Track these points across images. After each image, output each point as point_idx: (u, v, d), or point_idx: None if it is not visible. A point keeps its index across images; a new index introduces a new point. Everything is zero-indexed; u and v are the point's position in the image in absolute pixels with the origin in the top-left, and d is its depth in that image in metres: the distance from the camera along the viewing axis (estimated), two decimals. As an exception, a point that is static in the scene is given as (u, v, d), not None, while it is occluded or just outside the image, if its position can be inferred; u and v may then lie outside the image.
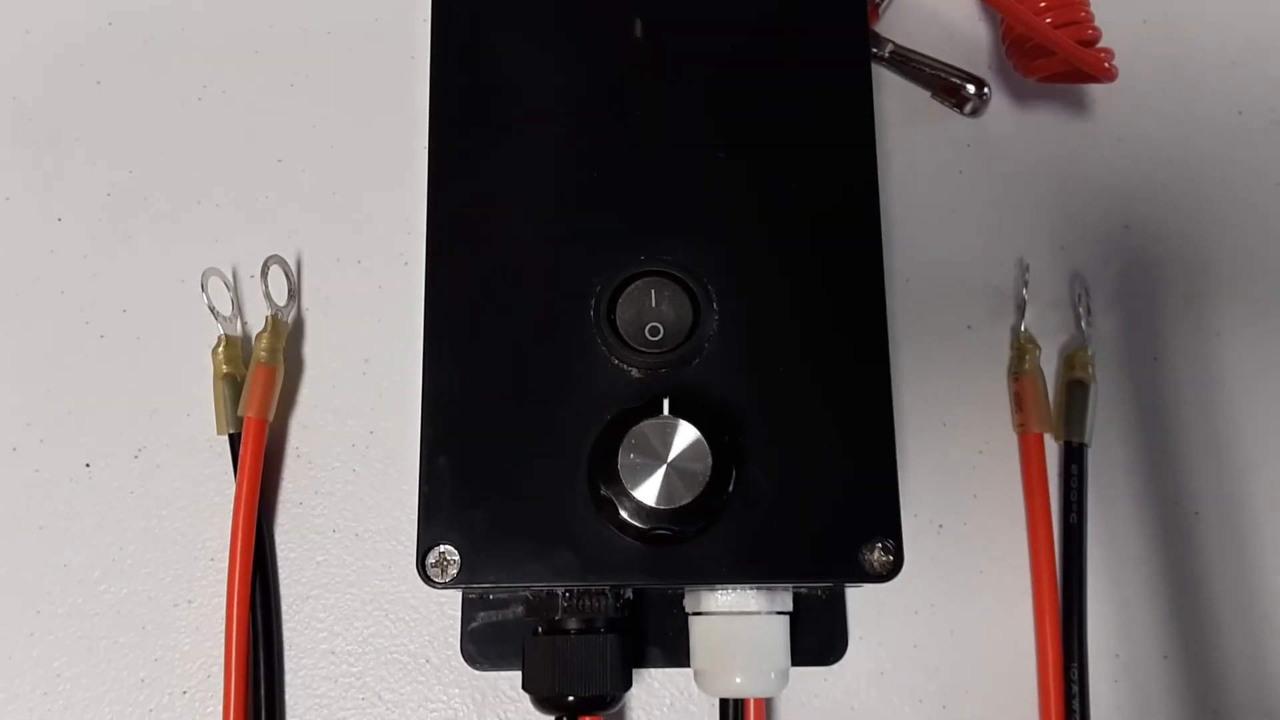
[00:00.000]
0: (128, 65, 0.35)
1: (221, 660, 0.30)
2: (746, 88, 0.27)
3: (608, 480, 0.22)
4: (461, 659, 0.30)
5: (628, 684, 0.28)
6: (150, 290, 0.33)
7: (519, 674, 0.28)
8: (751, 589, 0.27)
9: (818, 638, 0.30)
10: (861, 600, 0.31)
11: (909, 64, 0.35)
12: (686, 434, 0.22)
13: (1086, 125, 0.35)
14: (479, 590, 0.25)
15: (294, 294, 0.33)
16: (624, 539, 0.23)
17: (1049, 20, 0.30)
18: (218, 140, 0.35)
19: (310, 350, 0.33)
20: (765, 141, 0.26)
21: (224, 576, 0.30)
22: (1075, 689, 0.30)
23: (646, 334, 0.24)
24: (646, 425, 0.22)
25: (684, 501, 0.21)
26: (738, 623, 0.27)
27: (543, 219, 0.25)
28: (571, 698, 0.27)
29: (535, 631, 0.28)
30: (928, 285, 0.34)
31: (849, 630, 0.31)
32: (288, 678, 0.31)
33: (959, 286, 0.34)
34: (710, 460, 0.22)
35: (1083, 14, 0.31)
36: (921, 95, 0.35)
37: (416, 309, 0.33)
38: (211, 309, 0.32)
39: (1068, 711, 0.30)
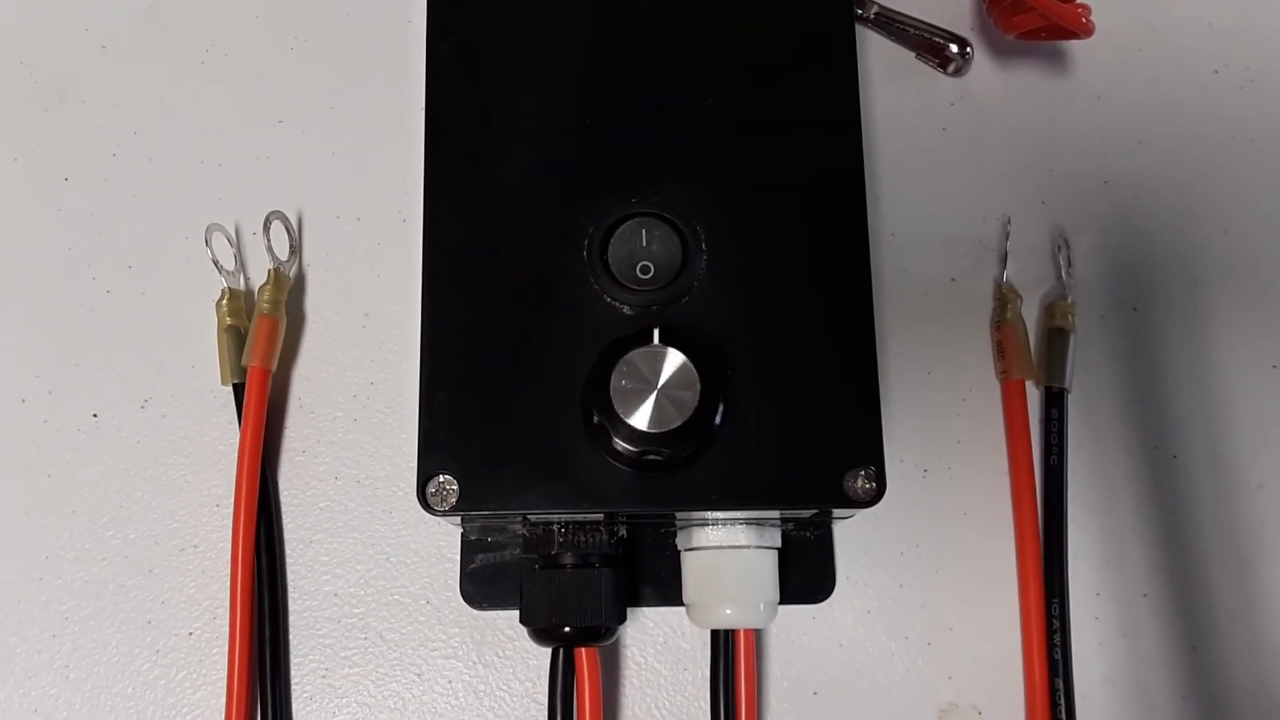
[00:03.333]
0: (132, 29, 0.36)
1: (227, 603, 0.31)
2: (734, 42, 0.27)
3: (600, 407, 0.23)
4: (461, 600, 0.31)
5: (622, 618, 0.29)
6: (155, 247, 0.34)
7: (516, 613, 0.29)
8: (741, 524, 0.28)
9: (807, 577, 0.31)
10: (849, 541, 0.32)
11: (893, 24, 0.36)
12: (675, 361, 0.23)
13: (1066, 84, 0.36)
14: (477, 518, 0.25)
15: (295, 249, 0.34)
16: (617, 467, 0.24)
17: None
18: (220, 102, 0.36)
19: (311, 304, 0.34)
20: (752, 93, 0.27)
21: (229, 522, 0.31)
22: (1057, 624, 0.31)
23: (638, 272, 0.25)
24: (637, 353, 0.23)
25: (674, 425, 0.22)
26: (728, 556, 0.28)
27: (536, 165, 0.26)
28: (567, 628, 0.28)
29: (533, 568, 0.29)
30: (912, 239, 0.35)
31: (837, 570, 0.32)
32: (291, 619, 0.31)
33: (943, 240, 0.35)
34: (699, 386, 0.23)
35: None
36: (905, 55, 0.36)
37: (414, 264, 0.34)
38: (215, 263, 0.33)
39: (1049, 645, 0.31)
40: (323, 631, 0.31)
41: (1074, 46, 0.36)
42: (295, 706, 0.31)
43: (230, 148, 0.35)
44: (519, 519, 0.26)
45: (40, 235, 0.34)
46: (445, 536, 0.32)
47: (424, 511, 0.25)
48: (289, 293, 0.33)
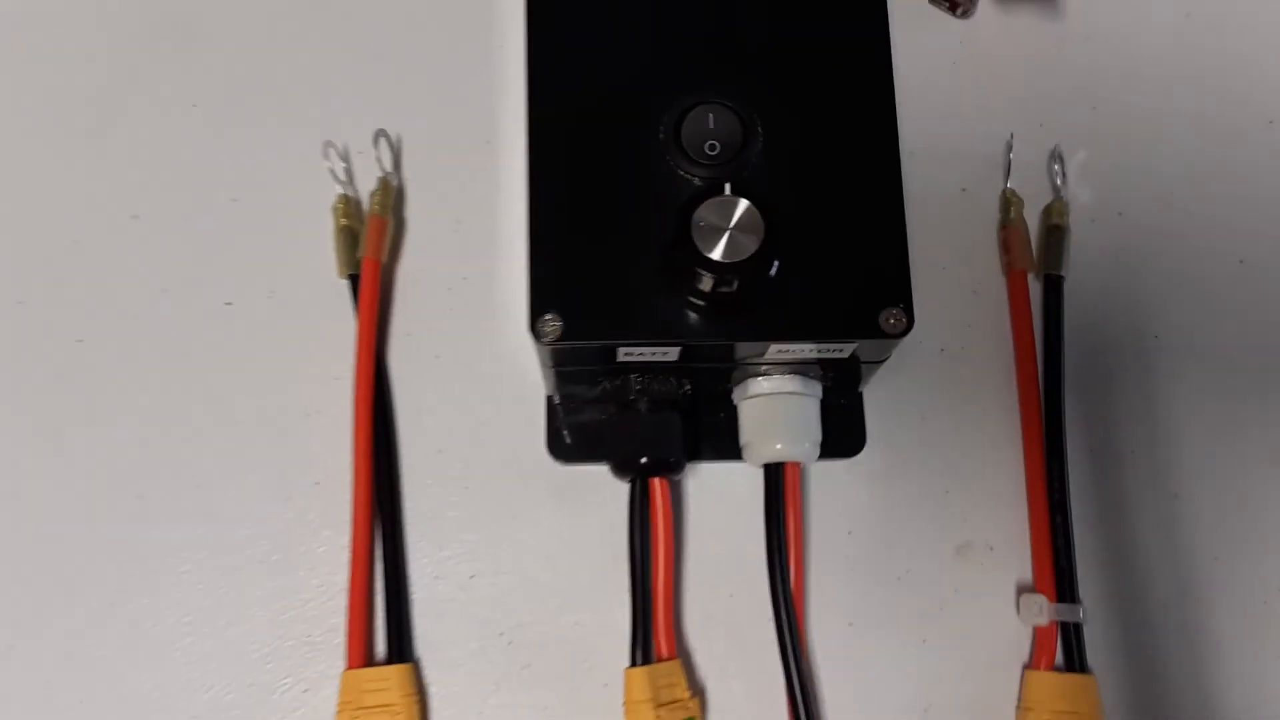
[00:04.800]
0: (254, -20, 0.42)
1: (347, 458, 0.36)
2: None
3: (683, 246, 0.28)
4: (546, 456, 0.37)
5: (688, 456, 0.34)
6: (275, 163, 0.40)
7: (595, 468, 0.35)
8: (790, 373, 0.33)
9: (841, 436, 0.36)
10: (876, 407, 0.37)
11: (909, -27, 0.41)
12: (743, 205, 0.28)
13: (1059, 24, 0.42)
14: (575, 351, 0.31)
15: (397, 164, 0.39)
16: (696, 304, 0.30)
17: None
18: (330, 41, 0.41)
19: (410, 213, 0.39)
20: (800, 20, 0.33)
21: (347, 392, 0.36)
22: (1056, 472, 0.36)
23: (706, 150, 0.31)
24: (713, 201, 0.28)
25: (745, 255, 0.28)
26: (779, 399, 0.33)
27: (621, 65, 0.32)
28: (644, 459, 0.33)
29: (612, 414, 0.34)
30: (928, 156, 0.40)
31: (867, 430, 0.37)
32: (403, 473, 0.37)
33: (954, 156, 0.40)
34: (763, 225, 0.28)
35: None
36: (920, 1, 0.42)
37: (497, 179, 0.40)
38: (331, 171, 0.38)
39: (1050, 490, 0.36)
40: (429, 483, 0.37)
41: (1065, -10, 0.42)
42: (409, 543, 0.36)
43: (340, 81, 0.41)
44: (609, 357, 0.31)
45: (173, 154, 0.40)
46: (532, 403, 0.37)
47: (531, 340, 0.30)
48: (391, 208, 0.39)
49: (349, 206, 0.38)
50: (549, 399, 0.37)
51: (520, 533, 0.36)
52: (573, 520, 0.36)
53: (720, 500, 0.37)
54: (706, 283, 0.28)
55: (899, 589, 0.36)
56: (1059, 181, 0.39)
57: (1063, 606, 0.35)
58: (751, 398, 0.34)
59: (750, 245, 0.28)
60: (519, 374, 0.37)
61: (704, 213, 0.28)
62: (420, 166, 0.40)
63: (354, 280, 0.37)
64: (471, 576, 0.36)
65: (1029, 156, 0.40)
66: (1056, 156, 0.40)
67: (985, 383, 0.38)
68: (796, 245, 0.30)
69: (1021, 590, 0.36)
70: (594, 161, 0.31)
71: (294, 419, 0.37)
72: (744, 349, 0.31)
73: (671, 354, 0.31)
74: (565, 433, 0.37)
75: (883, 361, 0.33)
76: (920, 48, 0.41)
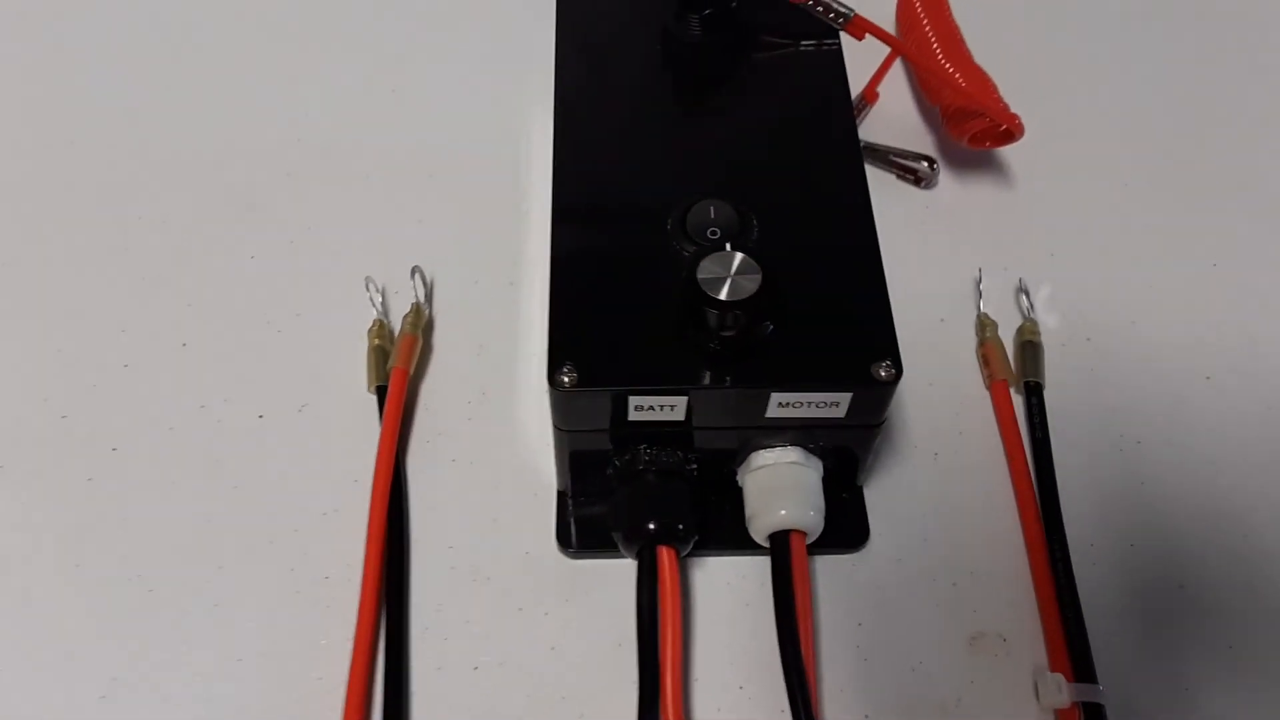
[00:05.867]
0: (309, 161, 0.48)
1: (359, 555, 0.36)
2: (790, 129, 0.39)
3: (692, 292, 0.31)
4: (554, 552, 0.37)
5: (697, 528, 0.35)
6: (316, 301, 0.44)
7: (598, 561, 0.36)
8: (792, 445, 0.35)
9: (844, 530, 0.38)
10: (877, 509, 0.38)
11: (876, 154, 0.48)
12: (740, 256, 0.32)
13: (1009, 188, 0.48)
14: (591, 400, 0.33)
15: (429, 297, 0.44)
16: (701, 353, 0.32)
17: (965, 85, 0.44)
18: (374, 211, 0.47)
19: (438, 339, 0.43)
20: (785, 132, 0.38)
21: (366, 493, 0.38)
22: (1060, 565, 0.36)
23: (708, 234, 0.35)
24: (713, 255, 0.32)
25: (747, 296, 0.31)
26: (783, 468, 0.35)
27: (637, 166, 0.37)
28: (652, 525, 0.34)
29: (622, 487, 0.35)
30: (907, 296, 0.43)
31: (871, 531, 0.38)
32: (414, 568, 0.37)
33: (930, 295, 0.44)
34: (760, 272, 0.31)
35: (995, 93, 0.45)
36: (888, 177, 0.48)
37: (518, 313, 0.44)
38: (371, 300, 0.42)
39: (1056, 583, 0.36)
40: (440, 576, 0.37)
41: (1015, 160, 0.48)
42: (414, 635, 0.36)
43: (382, 239, 0.46)
44: (621, 411, 0.33)
45: (230, 294, 0.44)
46: (543, 500, 0.38)
47: (549, 394, 0.32)
48: (422, 331, 0.42)
49: (382, 330, 0.42)
50: (560, 494, 0.38)
51: (525, 625, 0.36)
52: (578, 612, 0.36)
53: (728, 594, 0.37)
54: (713, 319, 0.31)
55: (914, 681, 0.35)
56: (1027, 307, 0.43)
57: (1082, 686, 0.34)
58: (755, 470, 0.35)
59: (750, 287, 0.31)
60: (531, 475, 0.39)
61: (708, 264, 0.32)
62: (451, 303, 0.44)
63: (381, 392, 0.40)
64: (475, 668, 0.35)
65: (997, 295, 0.44)
66: (1022, 289, 0.44)
67: (980, 482, 0.39)
68: (792, 313, 0.33)
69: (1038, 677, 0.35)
70: (608, 246, 0.35)
71: (310, 518, 0.38)
72: (746, 404, 0.33)
73: (679, 408, 0.33)
74: (574, 525, 0.38)
75: (878, 427, 0.35)
76: (892, 212, 0.46)
